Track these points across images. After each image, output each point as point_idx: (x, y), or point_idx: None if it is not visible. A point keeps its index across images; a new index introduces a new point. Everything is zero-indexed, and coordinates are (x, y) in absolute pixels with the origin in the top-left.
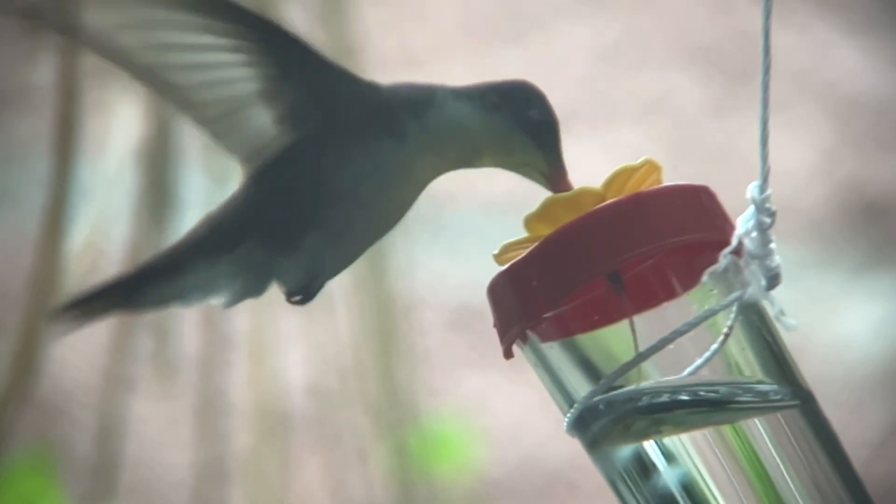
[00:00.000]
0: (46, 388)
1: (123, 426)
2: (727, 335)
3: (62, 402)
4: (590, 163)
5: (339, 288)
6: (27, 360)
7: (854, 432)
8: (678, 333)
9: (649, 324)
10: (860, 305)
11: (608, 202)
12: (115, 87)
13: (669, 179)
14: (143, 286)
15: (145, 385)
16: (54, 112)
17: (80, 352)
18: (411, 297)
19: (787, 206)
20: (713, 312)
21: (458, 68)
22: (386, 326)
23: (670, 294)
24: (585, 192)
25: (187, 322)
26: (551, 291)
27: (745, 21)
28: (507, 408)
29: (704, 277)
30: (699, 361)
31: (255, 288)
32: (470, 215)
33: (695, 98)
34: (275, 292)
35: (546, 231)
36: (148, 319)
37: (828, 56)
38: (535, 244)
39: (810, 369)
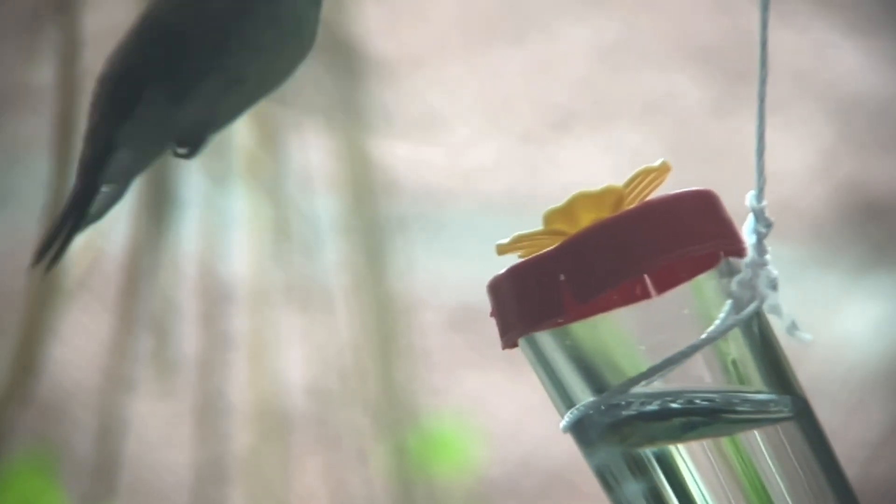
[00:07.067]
0: (46, 388)
1: (123, 426)
2: (707, 341)
3: (62, 402)
4: (590, 163)
5: (338, 288)
6: (27, 360)
7: (854, 432)
8: (694, 348)
9: (639, 321)
10: (860, 305)
11: (642, 203)
12: None
13: (670, 180)
14: (98, 185)
15: (145, 385)
16: (54, 112)
17: (80, 352)
18: (411, 297)
19: (787, 206)
20: (736, 322)
21: (458, 68)
22: (386, 326)
23: (647, 294)
24: (608, 191)
25: (187, 322)
26: (581, 287)
27: (746, 21)
28: (507, 408)
29: (733, 286)
30: (659, 362)
31: (160, 142)
32: (470, 215)
33: (695, 98)
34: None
35: (563, 226)
36: (148, 319)
37: (828, 56)
38: (562, 239)
39: (810, 369)
